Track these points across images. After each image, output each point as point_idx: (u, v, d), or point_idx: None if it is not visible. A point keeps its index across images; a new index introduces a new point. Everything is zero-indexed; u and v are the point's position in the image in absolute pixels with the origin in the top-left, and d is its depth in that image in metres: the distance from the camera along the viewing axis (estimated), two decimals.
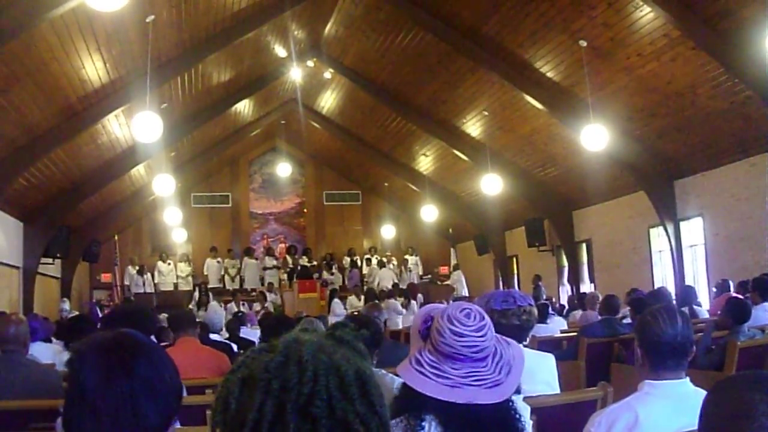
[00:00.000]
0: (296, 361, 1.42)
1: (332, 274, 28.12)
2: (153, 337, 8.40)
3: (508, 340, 2.84)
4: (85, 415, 2.22)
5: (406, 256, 29.73)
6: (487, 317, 2.70)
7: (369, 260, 29.56)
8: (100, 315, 16.53)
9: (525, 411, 2.94)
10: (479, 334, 2.63)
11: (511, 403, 2.71)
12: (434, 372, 2.63)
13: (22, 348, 5.71)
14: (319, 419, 1.36)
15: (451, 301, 20.57)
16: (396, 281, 26.10)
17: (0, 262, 18.07)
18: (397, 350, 7.44)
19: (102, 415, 2.19)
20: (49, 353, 8.60)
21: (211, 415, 1.52)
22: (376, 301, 15.62)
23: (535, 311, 4.86)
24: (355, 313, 14.10)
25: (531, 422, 3.03)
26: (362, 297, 22.25)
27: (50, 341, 9.99)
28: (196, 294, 24.81)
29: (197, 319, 8.91)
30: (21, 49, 12.72)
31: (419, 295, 22.91)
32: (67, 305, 16.05)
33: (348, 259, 29.91)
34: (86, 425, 2.23)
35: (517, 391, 2.82)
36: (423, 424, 2.64)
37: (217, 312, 12.93)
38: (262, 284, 27.16)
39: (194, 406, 5.15)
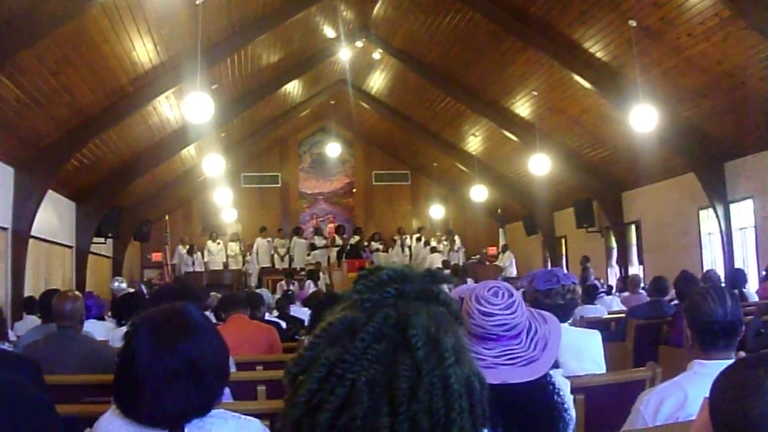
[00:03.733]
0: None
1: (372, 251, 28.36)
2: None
3: (545, 314, 2.82)
4: (130, 389, 2.30)
5: (455, 237, 29.69)
6: (516, 293, 2.69)
7: (402, 235, 29.85)
8: (146, 294, 16.67)
9: (565, 386, 2.92)
10: (509, 311, 2.61)
11: (549, 378, 2.70)
12: None
13: (77, 324, 5.84)
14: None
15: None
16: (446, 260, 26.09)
17: (54, 241, 18.31)
18: None
19: (145, 390, 2.26)
20: (103, 330, 8.73)
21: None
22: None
23: (579, 290, 4.89)
24: None
25: (572, 397, 3.02)
26: None
27: (103, 319, 10.12)
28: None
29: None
30: (73, 32, 12.88)
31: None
32: (116, 284, 16.19)
33: (397, 238, 29.96)
34: (130, 398, 2.31)
35: (555, 365, 2.79)
36: None
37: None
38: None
39: (245, 381, 5.25)
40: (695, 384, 3.34)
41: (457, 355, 1.34)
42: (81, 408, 4.53)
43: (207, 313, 8.98)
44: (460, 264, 25.87)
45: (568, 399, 2.84)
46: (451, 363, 1.31)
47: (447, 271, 23.14)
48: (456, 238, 29.58)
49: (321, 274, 24.70)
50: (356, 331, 1.32)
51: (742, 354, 3.73)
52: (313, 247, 28.09)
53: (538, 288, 4.64)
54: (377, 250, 28.57)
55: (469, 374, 1.36)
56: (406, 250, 29.48)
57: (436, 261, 26.17)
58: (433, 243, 28.84)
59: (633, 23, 14.86)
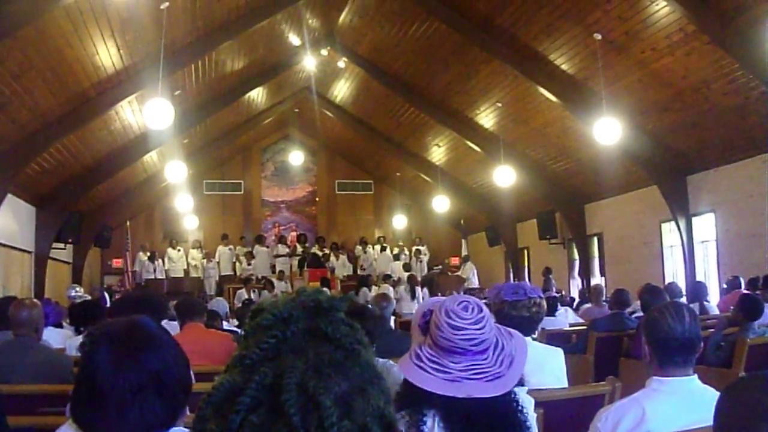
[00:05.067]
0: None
1: (338, 258, 28.40)
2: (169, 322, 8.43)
3: (511, 331, 2.81)
4: (93, 404, 2.23)
5: (417, 247, 29.69)
6: (485, 309, 2.68)
7: (365, 245, 30.08)
8: (108, 301, 16.51)
9: (529, 404, 2.91)
10: (478, 326, 2.60)
11: (513, 395, 2.69)
12: (434, 366, 2.60)
13: (33, 332, 5.74)
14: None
15: (461, 292, 20.47)
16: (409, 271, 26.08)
17: (12, 246, 18.14)
18: (405, 340, 7.47)
19: (109, 406, 2.19)
20: (60, 338, 8.63)
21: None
22: (385, 292, 15.58)
23: (545, 304, 4.90)
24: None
25: (536, 415, 3.00)
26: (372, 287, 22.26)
27: (61, 326, 10.01)
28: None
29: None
30: (35, 34, 12.75)
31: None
32: (72, 292, 15.98)
33: (359, 247, 30.00)
34: (92, 414, 2.24)
35: (521, 383, 2.77)
36: (425, 419, 2.62)
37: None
38: (273, 272, 27.11)
39: (202, 393, 5.17)
40: (653, 401, 3.34)
41: (345, 406, 1.22)
42: (36, 419, 4.46)
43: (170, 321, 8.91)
44: (421, 274, 25.87)
45: (531, 417, 2.83)
46: (334, 421, 1.18)
47: (407, 274, 23.27)
48: (421, 248, 29.55)
49: (282, 282, 24.61)
50: (234, 400, 1.22)
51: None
52: (251, 255, 27.96)
53: (504, 299, 4.65)
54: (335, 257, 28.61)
55: (365, 420, 1.24)
56: (368, 258, 29.47)
57: (396, 268, 26.16)
58: (396, 251, 28.88)
59: (598, 36, 14.94)
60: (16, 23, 11.85)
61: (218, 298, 17.11)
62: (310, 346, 1.29)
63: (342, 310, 1.39)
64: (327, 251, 28.70)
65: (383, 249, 29.50)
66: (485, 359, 2.62)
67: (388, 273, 24.70)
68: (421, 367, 2.62)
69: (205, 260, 27.79)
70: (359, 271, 28.53)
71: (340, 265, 28.33)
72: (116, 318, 2.50)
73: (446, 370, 2.59)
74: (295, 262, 27.92)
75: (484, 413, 2.59)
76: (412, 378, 2.61)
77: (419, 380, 2.59)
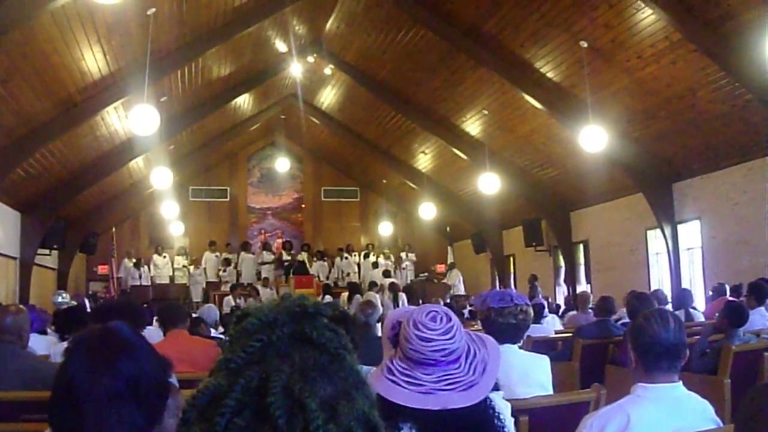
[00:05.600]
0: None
1: (311, 265, 28.41)
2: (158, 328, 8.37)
3: (484, 337, 2.78)
4: (70, 412, 2.21)
5: (402, 254, 29.67)
6: (455, 318, 2.64)
7: (342, 255, 29.89)
8: (89, 307, 16.36)
9: (505, 408, 2.89)
10: (447, 336, 2.56)
11: (489, 402, 2.66)
12: (406, 379, 2.56)
13: (17, 339, 5.66)
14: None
15: (447, 300, 20.36)
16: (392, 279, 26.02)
17: None
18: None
19: (86, 413, 2.18)
20: (44, 345, 8.55)
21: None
22: (371, 299, 15.52)
23: (531, 311, 4.87)
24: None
25: (513, 419, 2.97)
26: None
27: (46, 333, 9.94)
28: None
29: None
30: (22, 39, 12.71)
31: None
32: (59, 298, 15.85)
33: (338, 257, 29.94)
34: (69, 422, 2.22)
35: (496, 388, 2.75)
36: None
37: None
38: (259, 279, 27.07)
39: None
40: (638, 407, 3.33)
41: (331, 410, 1.21)
42: (19, 426, 4.44)
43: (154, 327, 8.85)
44: (405, 282, 25.86)
45: (509, 422, 2.81)
46: (320, 424, 1.17)
47: (389, 280, 23.26)
48: (403, 254, 29.51)
49: (268, 289, 24.59)
50: (219, 403, 1.20)
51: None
52: (227, 262, 28.00)
53: (491, 306, 4.62)
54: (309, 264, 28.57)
55: (350, 424, 1.23)
56: (349, 265, 29.43)
57: (376, 275, 26.11)
58: (381, 259, 28.81)
59: (584, 44, 14.96)
60: (3, 28, 11.79)
61: (209, 304, 17.08)
62: (296, 350, 1.28)
63: (327, 315, 1.38)
64: (308, 260, 28.65)
65: (366, 256, 29.47)
66: (458, 368, 2.59)
67: (374, 280, 24.65)
68: (393, 381, 2.58)
69: (192, 267, 27.70)
70: (343, 278, 28.52)
71: (315, 272, 28.19)
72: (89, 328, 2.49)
73: (419, 382, 2.55)
74: (280, 269, 27.87)
75: (460, 422, 2.56)
76: (385, 392, 2.55)
77: (392, 394, 2.55)
